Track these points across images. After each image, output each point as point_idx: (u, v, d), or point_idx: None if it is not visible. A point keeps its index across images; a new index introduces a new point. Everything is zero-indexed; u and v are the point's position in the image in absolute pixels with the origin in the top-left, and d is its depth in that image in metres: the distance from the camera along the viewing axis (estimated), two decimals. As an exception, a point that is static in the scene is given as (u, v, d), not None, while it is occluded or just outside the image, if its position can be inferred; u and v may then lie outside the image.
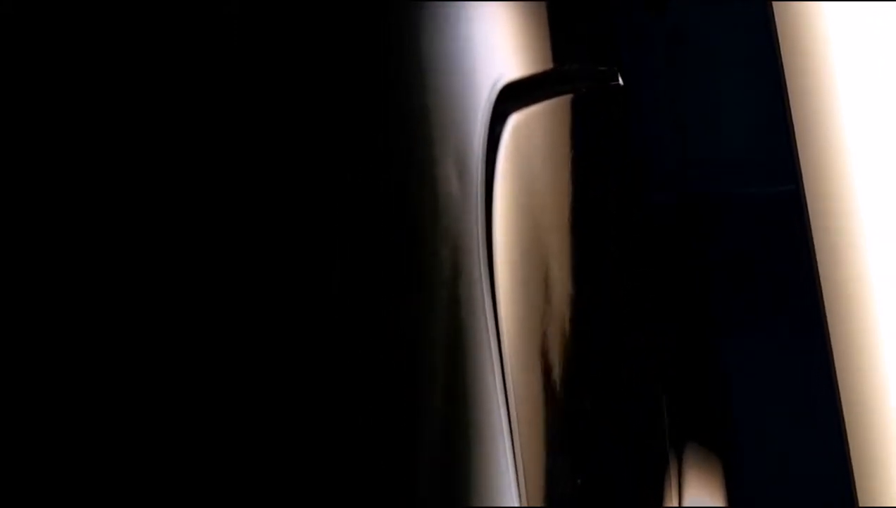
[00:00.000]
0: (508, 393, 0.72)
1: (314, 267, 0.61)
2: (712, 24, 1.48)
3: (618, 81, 1.02)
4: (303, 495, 0.59)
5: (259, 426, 0.57)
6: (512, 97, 0.74)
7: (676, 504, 1.15)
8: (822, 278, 1.33)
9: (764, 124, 1.41)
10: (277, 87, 0.60)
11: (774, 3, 1.27)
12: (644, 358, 1.09)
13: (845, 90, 1.30)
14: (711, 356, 1.41)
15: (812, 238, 1.31)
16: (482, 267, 0.70)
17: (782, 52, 1.31)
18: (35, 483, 0.51)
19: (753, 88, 1.43)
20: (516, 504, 0.71)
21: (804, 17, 1.29)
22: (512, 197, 0.74)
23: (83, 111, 0.53)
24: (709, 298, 1.46)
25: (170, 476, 0.54)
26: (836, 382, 1.34)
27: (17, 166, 0.51)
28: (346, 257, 0.62)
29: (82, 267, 0.53)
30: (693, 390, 1.35)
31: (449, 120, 0.69)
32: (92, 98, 0.53)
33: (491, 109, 0.71)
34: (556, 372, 0.80)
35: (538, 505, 0.74)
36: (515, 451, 0.72)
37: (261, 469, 0.57)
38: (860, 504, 1.33)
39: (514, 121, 0.74)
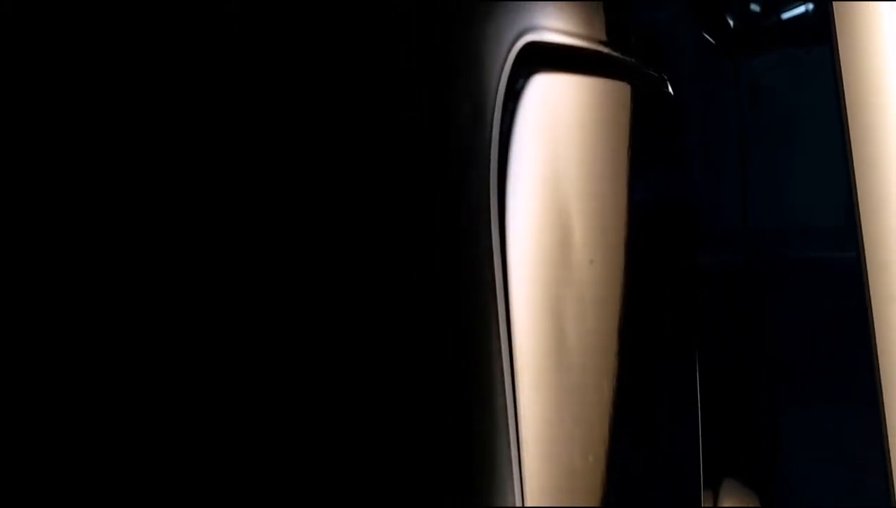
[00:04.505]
0: (515, 371, 0.70)
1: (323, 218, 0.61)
2: (782, 87, 1.48)
3: (667, 88, 1.02)
4: (308, 493, 0.59)
5: (258, 428, 0.57)
6: (540, 58, 0.75)
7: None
8: (879, 348, 1.31)
9: (828, 191, 1.40)
10: (276, 80, 0.60)
11: (844, 73, 1.26)
12: (675, 363, 1.07)
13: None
14: (763, 412, 1.39)
15: (871, 306, 1.28)
16: (494, 213, 0.70)
17: (849, 119, 1.30)
18: (35, 482, 0.51)
19: (819, 154, 1.42)
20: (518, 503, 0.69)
21: (875, 87, 1.28)
22: (532, 152, 0.74)
23: (83, 111, 0.53)
24: (765, 356, 1.44)
25: (170, 476, 0.54)
26: (888, 447, 1.31)
27: (17, 166, 0.51)
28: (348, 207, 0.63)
29: (83, 267, 0.53)
30: (737, 432, 1.33)
31: (469, 63, 0.70)
32: (92, 98, 0.54)
33: (513, 62, 0.71)
34: (573, 348, 0.79)
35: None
36: (521, 445, 0.70)
37: (262, 469, 0.57)
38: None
39: (539, 80, 0.74)
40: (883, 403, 1.32)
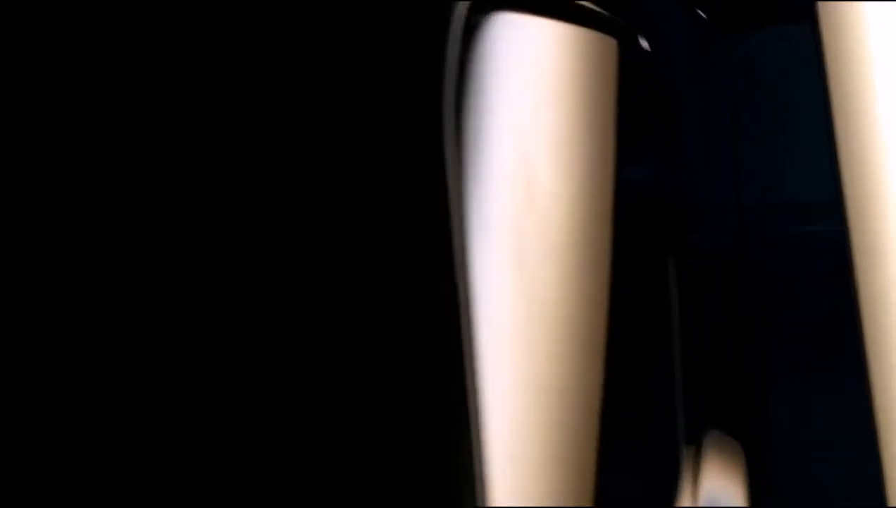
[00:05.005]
0: (477, 325, 0.69)
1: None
2: (777, 63, 1.47)
3: (640, 43, 1.01)
4: (300, 493, 0.59)
5: (249, 426, 0.57)
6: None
7: (690, 504, 1.11)
8: (865, 322, 1.29)
9: (814, 167, 1.39)
10: (276, 79, 0.61)
11: (826, 50, 1.25)
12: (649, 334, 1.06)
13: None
14: (753, 384, 1.38)
15: (858, 278, 1.27)
16: (451, 148, 0.69)
17: (832, 93, 1.28)
18: (35, 482, 0.51)
19: (812, 132, 1.41)
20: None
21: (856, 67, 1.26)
22: (491, 95, 0.73)
23: (83, 111, 0.54)
24: (754, 332, 1.43)
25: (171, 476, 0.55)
26: (879, 425, 1.30)
27: (17, 166, 0.52)
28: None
29: (83, 268, 0.53)
30: (723, 398, 1.32)
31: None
32: (92, 98, 0.54)
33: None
34: (537, 281, 0.78)
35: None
36: (480, 419, 0.69)
37: (245, 467, 0.57)
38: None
39: (498, 19, 0.74)
40: (877, 398, 1.31)
